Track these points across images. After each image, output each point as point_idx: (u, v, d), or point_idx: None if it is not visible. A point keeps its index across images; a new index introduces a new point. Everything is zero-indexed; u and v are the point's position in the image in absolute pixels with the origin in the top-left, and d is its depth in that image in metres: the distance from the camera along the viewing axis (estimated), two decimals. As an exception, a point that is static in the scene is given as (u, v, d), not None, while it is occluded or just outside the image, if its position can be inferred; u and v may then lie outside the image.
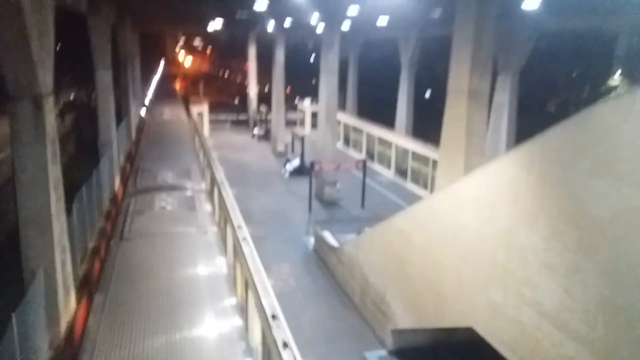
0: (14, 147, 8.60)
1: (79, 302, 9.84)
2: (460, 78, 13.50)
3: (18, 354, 6.86)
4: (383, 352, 12.10)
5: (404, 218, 12.14)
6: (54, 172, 8.94)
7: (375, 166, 31.57)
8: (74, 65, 25.58)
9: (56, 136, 9.18)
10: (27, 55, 7.94)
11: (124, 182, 19.23)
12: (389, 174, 30.20)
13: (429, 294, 10.62)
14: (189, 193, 14.37)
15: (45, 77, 8.54)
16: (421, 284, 10.92)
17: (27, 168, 8.58)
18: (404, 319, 11.65)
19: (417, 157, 27.14)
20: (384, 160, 31.35)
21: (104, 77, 19.65)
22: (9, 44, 7.85)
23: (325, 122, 24.57)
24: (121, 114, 26.37)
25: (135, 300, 8.23)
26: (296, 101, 44.80)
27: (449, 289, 9.89)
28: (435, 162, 23.63)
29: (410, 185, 27.47)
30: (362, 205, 23.53)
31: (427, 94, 46.10)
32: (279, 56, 35.01)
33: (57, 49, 9.25)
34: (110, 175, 17.82)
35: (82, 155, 30.02)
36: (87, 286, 10.72)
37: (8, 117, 8.52)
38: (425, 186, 26.12)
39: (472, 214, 9.18)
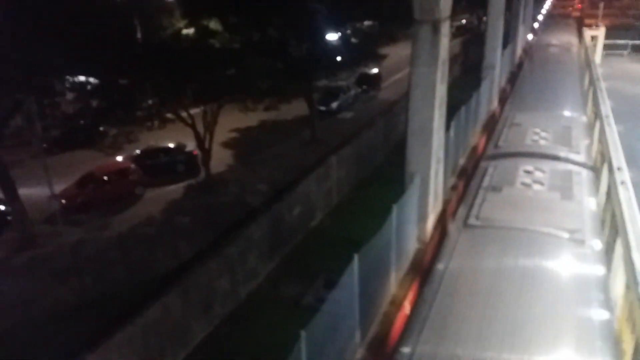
0: (411, 67, 9.87)
1: (444, 207, 11.07)
2: None
3: (394, 237, 8.44)
4: None
5: None
6: (441, 91, 9.91)
7: None
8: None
9: (447, 58, 10.02)
10: (431, -18, 8.77)
11: (502, 104, 19.38)
12: None
13: None
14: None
15: (445, 3, 9.25)
16: None
17: (419, 86, 9.78)
18: None
19: None
20: None
21: (497, 1, 19.62)
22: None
23: None
24: (508, 37, 26.05)
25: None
26: None
27: None
28: None
29: None
30: None
31: None
32: None
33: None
34: (489, 98, 18.31)
35: (466, 76, 31.65)
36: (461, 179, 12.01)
37: (411, 40, 9.76)
38: None
39: None
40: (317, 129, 23.03)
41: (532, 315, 5.99)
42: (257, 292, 13.05)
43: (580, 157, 10.96)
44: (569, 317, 6.15)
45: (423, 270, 9.26)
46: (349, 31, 26.23)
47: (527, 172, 9.90)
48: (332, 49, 23.10)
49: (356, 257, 6.76)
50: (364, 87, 31.08)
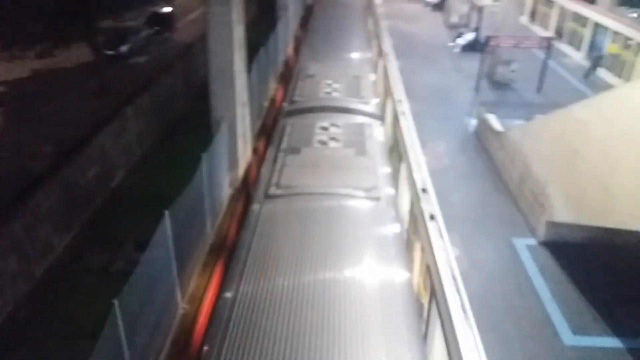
0: (207, 6, 9.38)
1: (254, 152, 11.20)
2: None
3: (206, 187, 8.27)
4: (532, 241, 11.83)
5: (585, 108, 10.86)
6: (238, 32, 9.67)
7: (563, 47, 27.69)
8: None
9: (241, -3, 9.74)
10: None
11: (296, 52, 19.85)
12: (578, 56, 26.38)
13: (596, 191, 9.75)
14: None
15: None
16: (590, 180, 10.02)
17: (216, 26, 9.38)
18: (563, 213, 11.03)
19: (619, 39, 22.97)
20: (575, 41, 27.23)
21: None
22: None
23: (511, -9, 21.72)
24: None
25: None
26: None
27: (623, 188, 8.93)
28: (640, 46, 19.88)
29: (603, 73, 23.78)
30: (539, 90, 21.33)
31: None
32: None
33: None
34: (285, 41, 18.66)
35: (261, 17, 31.61)
36: (262, 138, 12.06)
37: None
38: (619, 75, 22.40)
39: (674, 110, 7.82)
40: (106, 77, 20.67)
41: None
42: (57, 266, 11.67)
43: (370, 108, 11.29)
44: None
45: (238, 216, 9.35)
46: (131, -36, 23.56)
47: (324, 128, 9.86)
48: (114, -16, 20.56)
49: (167, 213, 6.44)
50: (157, 27, 28.71)
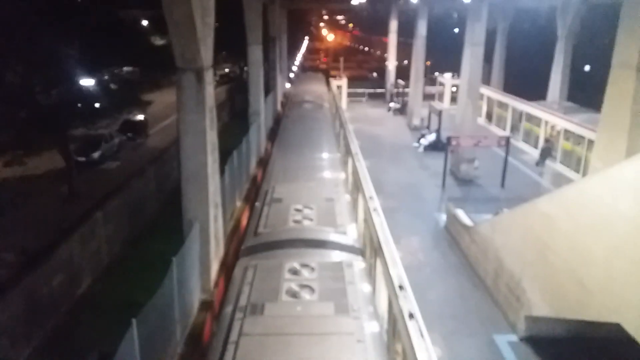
0: (179, 114, 9.74)
1: (226, 253, 10.99)
2: (628, 50, 12.06)
3: (176, 292, 7.95)
4: (514, 338, 11.56)
5: (549, 201, 11.26)
6: (211, 137, 9.98)
7: (520, 144, 29.42)
8: (228, 41, 28.01)
9: (214, 105, 10.18)
10: (192, 33, 8.89)
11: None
12: (534, 153, 27.97)
13: (571, 284, 9.81)
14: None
15: (206, 53, 9.47)
16: (563, 273, 10.12)
17: (189, 132, 9.69)
18: (540, 307, 10.94)
19: (569, 136, 24.67)
20: (531, 138, 29.04)
21: (255, 52, 21.09)
22: (178, 23, 8.84)
23: (467, 95, 23.44)
24: (269, 86, 28.18)
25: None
26: (435, 74, 43.43)
27: (596, 280, 9.03)
28: (590, 143, 21.30)
29: (560, 167, 25.15)
30: (502, 185, 22.23)
31: (587, 68, 41.31)
32: (421, 28, 34.03)
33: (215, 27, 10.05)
34: (257, 142, 19.24)
35: (234, 122, 32.81)
36: (233, 237, 11.90)
37: (176, 88, 9.65)
38: (576, 169, 23.72)
39: (632, 202, 8.20)
40: (77, 183, 20.57)
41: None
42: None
43: (348, 239, 9.79)
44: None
45: (210, 323, 8.91)
46: (106, 77, 24.67)
47: (294, 272, 7.90)
48: (88, 95, 21.34)
49: (134, 322, 6.09)
50: (129, 134, 29.40)
